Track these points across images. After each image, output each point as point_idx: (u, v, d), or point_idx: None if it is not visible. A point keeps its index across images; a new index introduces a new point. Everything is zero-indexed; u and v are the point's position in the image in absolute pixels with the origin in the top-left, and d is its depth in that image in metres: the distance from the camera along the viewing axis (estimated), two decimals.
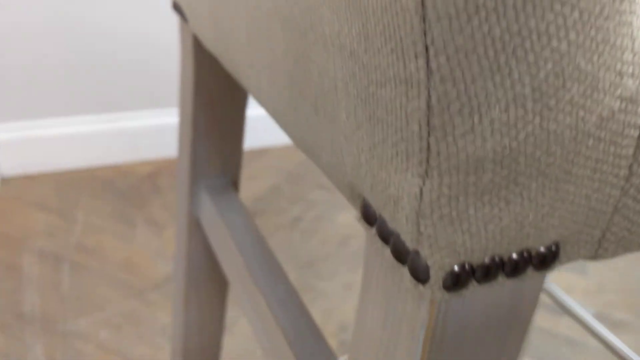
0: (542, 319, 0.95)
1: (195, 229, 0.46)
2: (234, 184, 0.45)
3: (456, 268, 0.17)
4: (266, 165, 1.37)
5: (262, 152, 1.42)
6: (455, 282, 0.17)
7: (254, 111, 1.39)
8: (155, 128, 1.33)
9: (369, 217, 0.19)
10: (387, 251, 0.19)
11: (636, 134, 0.17)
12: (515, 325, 0.19)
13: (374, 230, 0.19)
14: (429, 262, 0.17)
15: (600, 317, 0.96)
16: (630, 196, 0.18)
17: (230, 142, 0.44)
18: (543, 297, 0.99)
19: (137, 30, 1.25)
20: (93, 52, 1.24)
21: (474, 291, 0.18)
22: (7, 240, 1.10)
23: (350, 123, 0.18)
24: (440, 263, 0.17)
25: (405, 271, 0.18)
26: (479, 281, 0.18)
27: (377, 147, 0.17)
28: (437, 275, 0.17)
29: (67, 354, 0.87)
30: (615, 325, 0.95)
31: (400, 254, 0.18)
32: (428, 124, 0.15)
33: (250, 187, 1.28)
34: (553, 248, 0.18)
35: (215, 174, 0.44)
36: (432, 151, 0.15)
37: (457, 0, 0.13)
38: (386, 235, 0.18)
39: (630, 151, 0.17)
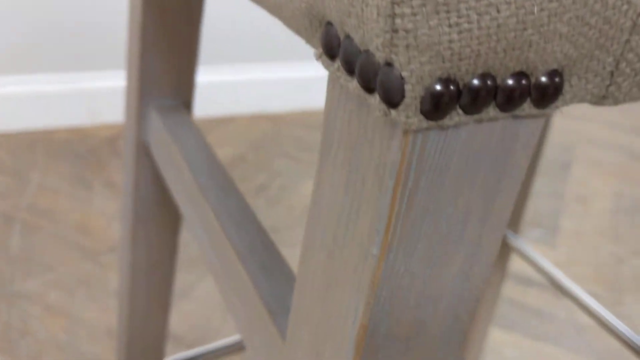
0: (510, 290, 0.92)
1: (144, 156, 0.42)
2: (187, 106, 0.41)
3: (438, 86, 0.13)
4: (231, 134, 1.32)
5: (227, 121, 1.37)
6: (436, 105, 0.13)
7: (220, 78, 1.34)
8: (120, 91, 1.27)
9: (331, 46, 0.15)
10: (352, 83, 0.15)
11: None
12: (506, 174, 0.16)
13: (337, 63, 0.15)
14: (405, 74, 0.13)
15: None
16: None
17: (184, 59, 0.40)
18: (512, 270, 0.97)
19: None
20: (53, 9, 1.17)
21: (459, 124, 0.14)
22: None
23: None
24: (419, 73, 0.13)
25: (374, 98, 0.14)
26: (465, 109, 0.14)
27: None
28: (414, 93, 0.13)
29: (14, 315, 0.82)
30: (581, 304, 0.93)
31: (368, 77, 0.14)
32: None
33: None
34: (556, 79, 0.15)
35: (166, 95, 0.40)
36: None
37: None
38: (351, 60, 0.15)
39: None
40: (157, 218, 0.44)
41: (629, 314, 0.90)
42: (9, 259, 0.91)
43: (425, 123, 0.14)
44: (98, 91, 1.26)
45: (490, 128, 0.15)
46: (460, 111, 0.14)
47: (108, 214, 1.03)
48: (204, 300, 0.86)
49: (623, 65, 0.15)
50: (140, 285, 0.47)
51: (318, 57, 0.16)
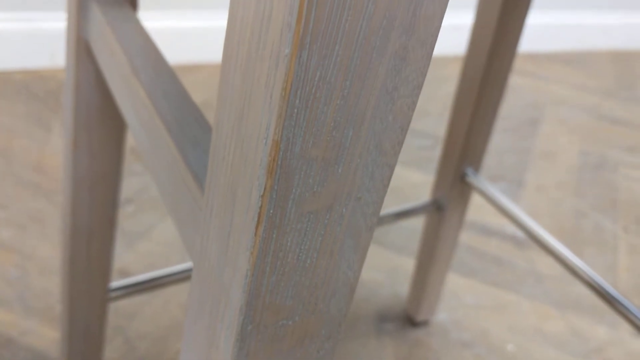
0: (472, 240, 0.92)
1: (85, 56, 0.40)
2: (132, 1, 0.39)
3: None
4: (198, 81, 1.29)
5: (194, 68, 1.34)
6: None
7: (187, 23, 1.31)
8: None
9: None
10: None
11: None
12: None
13: None
14: None
15: (529, 241, 0.94)
16: None
17: None
18: (473, 220, 0.97)
19: None
20: None
21: None
22: None
23: None
24: None
25: None
26: None
27: None
28: None
29: None
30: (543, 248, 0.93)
31: None
32: None
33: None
34: None
35: None
36: None
37: None
38: None
39: None
40: (100, 124, 0.42)
41: (589, 265, 0.91)
42: None
43: None
44: (58, 33, 1.21)
45: None
46: None
47: None
48: (163, 241, 0.85)
49: None
50: (84, 199, 0.45)
51: None
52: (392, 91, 0.15)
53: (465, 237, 0.93)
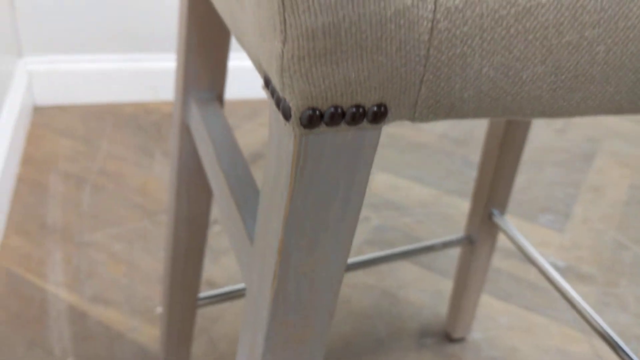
0: (513, 267, 1.03)
1: (186, 134, 0.55)
2: (219, 98, 0.54)
3: (309, 111, 0.26)
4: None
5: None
6: (309, 121, 0.26)
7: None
8: None
9: (267, 82, 0.28)
10: (272, 102, 0.27)
11: (429, 26, 0.25)
12: (359, 164, 0.28)
13: (269, 91, 0.28)
14: (291, 105, 0.26)
15: (568, 270, 1.04)
16: (431, 72, 0.26)
17: (217, 61, 0.53)
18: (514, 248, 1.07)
19: None
20: None
21: (325, 132, 0.27)
22: (36, 161, 1.21)
23: (249, 10, 0.27)
24: (296, 105, 0.25)
25: (279, 114, 0.27)
26: (327, 123, 0.26)
27: (261, 24, 0.26)
28: (296, 114, 0.26)
29: (82, 261, 0.98)
30: (580, 277, 1.02)
31: (278, 101, 0.26)
32: (283, 3, 0.23)
33: (247, 139, 1.37)
34: (382, 109, 0.27)
35: (203, 88, 0.53)
36: (286, 23, 0.24)
37: None
38: (272, 91, 0.27)
39: (426, 37, 0.25)
40: (195, 181, 0.58)
41: (622, 294, 0.99)
42: (80, 214, 1.08)
43: (303, 130, 0.26)
44: (161, 71, 1.41)
45: (345, 134, 0.27)
46: (323, 125, 0.26)
47: (165, 179, 1.18)
48: (229, 266, 1.01)
49: (420, 102, 0.27)
50: (182, 230, 0.61)
51: (262, 88, 0.29)
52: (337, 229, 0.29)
53: (508, 265, 1.03)
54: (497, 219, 0.77)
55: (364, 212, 1.13)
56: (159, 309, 0.90)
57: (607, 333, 0.64)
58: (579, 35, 0.26)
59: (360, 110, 0.26)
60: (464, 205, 1.17)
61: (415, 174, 1.26)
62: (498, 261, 1.04)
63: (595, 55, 0.27)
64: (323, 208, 0.29)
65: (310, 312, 0.32)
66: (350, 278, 0.98)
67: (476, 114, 0.28)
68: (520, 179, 1.28)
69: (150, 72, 1.41)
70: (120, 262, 0.98)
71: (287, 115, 0.26)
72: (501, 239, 1.09)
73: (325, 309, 0.32)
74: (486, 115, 0.28)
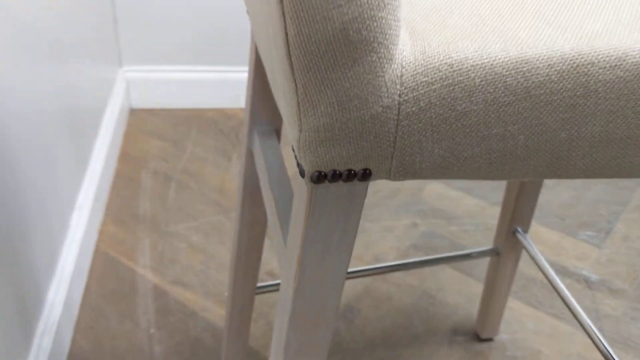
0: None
1: (250, 157, 0.70)
2: (277, 133, 0.68)
3: (317, 173, 0.39)
4: None
5: None
6: (317, 179, 0.39)
7: None
8: None
9: (294, 152, 0.41)
10: (295, 164, 0.41)
11: (395, 124, 0.37)
12: (352, 208, 0.41)
13: (296, 160, 0.41)
14: (305, 168, 0.39)
15: (601, 283, 1.12)
16: (398, 151, 0.38)
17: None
18: (554, 260, 1.16)
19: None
20: (214, 17, 1.49)
21: (328, 186, 0.40)
22: (130, 159, 1.39)
23: (282, 104, 0.40)
24: (308, 169, 0.39)
25: (298, 173, 0.40)
26: (329, 181, 0.39)
27: (288, 117, 0.39)
28: (308, 175, 0.39)
29: (166, 248, 1.15)
30: (611, 291, 1.10)
31: (297, 165, 0.40)
32: (299, 109, 0.36)
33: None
34: (367, 172, 0.39)
35: (264, 123, 0.67)
36: (302, 122, 0.37)
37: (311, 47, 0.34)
38: (295, 157, 0.40)
39: (393, 130, 0.37)
40: (256, 195, 0.72)
41: None
42: (165, 208, 1.25)
43: (313, 185, 0.39)
44: (241, 81, 1.57)
45: (342, 187, 0.40)
46: (327, 182, 0.39)
47: None
48: None
49: (394, 169, 0.39)
50: (243, 236, 0.75)
51: (293, 152, 0.42)
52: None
53: (542, 275, 1.13)
54: (520, 236, 0.87)
55: (413, 219, 1.25)
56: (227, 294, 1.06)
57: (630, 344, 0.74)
58: (503, 129, 0.38)
59: (352, 172, 0.39)
60: None
61: (465, 186, 1.36)
62: (535, 271, 1.14)
63: (517, 142, 0.39)
64: (328, 236, 0.42)
65: (320, 305, 0.45)
66: (395, 278, 1.10)
67: (434, 177, 0.40)
68: (567, 195, 1.36)
69: (232, 81, 1.57)
70: (197, 251, 1.14)
71: (302, 174, 0.39)
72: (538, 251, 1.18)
73: (331, 304, 0.45)
74: (441, 178, 0.40)
